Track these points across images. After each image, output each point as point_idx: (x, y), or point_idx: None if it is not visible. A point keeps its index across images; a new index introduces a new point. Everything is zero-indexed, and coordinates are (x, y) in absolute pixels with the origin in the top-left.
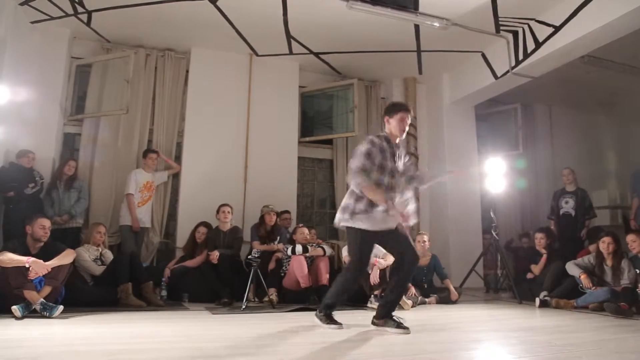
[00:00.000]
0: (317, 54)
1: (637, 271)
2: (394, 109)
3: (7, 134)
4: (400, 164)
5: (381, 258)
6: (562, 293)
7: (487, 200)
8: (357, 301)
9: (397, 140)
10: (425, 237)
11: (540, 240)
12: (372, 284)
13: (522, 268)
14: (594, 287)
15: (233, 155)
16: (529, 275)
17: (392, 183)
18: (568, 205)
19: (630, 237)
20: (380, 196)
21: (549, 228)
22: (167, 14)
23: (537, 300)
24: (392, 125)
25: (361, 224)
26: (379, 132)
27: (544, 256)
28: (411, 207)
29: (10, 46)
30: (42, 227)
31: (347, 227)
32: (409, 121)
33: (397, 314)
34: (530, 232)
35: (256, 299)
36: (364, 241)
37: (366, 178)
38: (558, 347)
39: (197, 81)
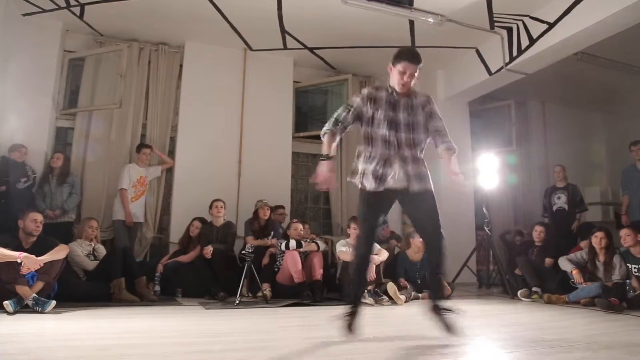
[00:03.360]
0: (311, 49)
1: (629, 266)
2: (396, 56)
3: None
4: (408, 117)
5: (375, 254)
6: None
7: (480, 197)
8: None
9: (404, 91)
10: None
11: (540, 233)
12: (369, 279)
13: (515, 263)
14: (585, 283)
15: (227, 150)
16: (517, 272)
17: (391, 136)
18: (561, 201)
19: (623, 232)
20: (325, 144)
21: (549, 224)
22: (161, 7)
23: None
24: (391, 75)
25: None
26: None
27: None
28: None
29: (1, 39)
30: (33, 221)
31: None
32: (413, 75)
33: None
34: (522, 230)
35: (250, 294)
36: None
37: (327, 125)
38: (549, 342)
39: (191, 76)
